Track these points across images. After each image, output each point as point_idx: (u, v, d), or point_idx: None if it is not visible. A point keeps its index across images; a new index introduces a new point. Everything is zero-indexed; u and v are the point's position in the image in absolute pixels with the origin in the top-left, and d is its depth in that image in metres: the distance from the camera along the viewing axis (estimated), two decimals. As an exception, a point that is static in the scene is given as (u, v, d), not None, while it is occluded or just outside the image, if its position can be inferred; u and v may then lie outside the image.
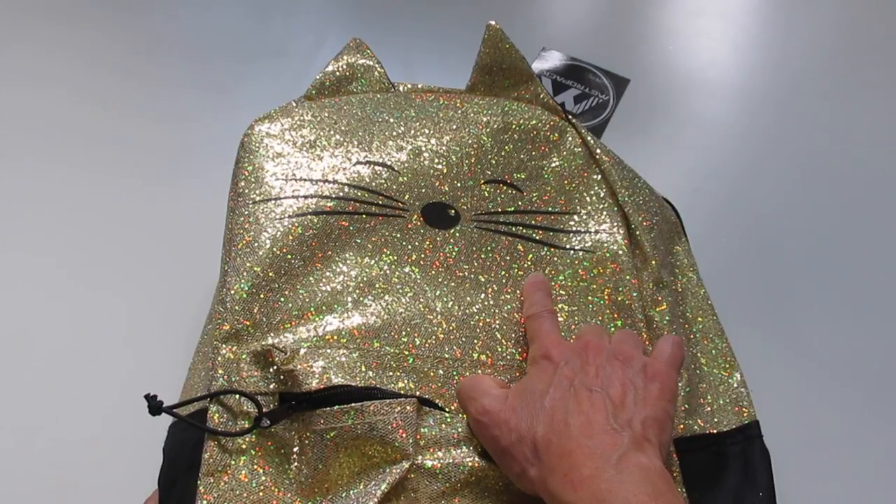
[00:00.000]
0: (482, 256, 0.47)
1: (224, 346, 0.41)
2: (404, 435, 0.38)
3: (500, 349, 0.44)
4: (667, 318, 0.47)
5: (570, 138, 0.52)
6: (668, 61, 0.82)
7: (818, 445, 0.55)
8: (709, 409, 0.46)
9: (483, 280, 0.46)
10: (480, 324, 0.44)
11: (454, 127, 0.51)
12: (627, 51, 0.82)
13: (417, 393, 0.40)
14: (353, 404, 0.38)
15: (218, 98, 0.77)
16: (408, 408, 0.38)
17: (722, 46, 0.84)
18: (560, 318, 0.45)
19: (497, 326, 0.44)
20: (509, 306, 0.46)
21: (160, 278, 0.62)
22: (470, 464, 0.38)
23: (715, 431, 0.45)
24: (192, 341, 0.50)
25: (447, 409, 0.40)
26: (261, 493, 0.38)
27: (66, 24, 0.83)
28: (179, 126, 0.74)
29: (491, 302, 0.46)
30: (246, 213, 0.46)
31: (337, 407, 0.38)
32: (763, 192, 0.70)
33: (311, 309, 0.43)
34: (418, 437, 0.39)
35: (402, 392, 0.40)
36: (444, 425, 0.40)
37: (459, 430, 0.40)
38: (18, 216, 0.66)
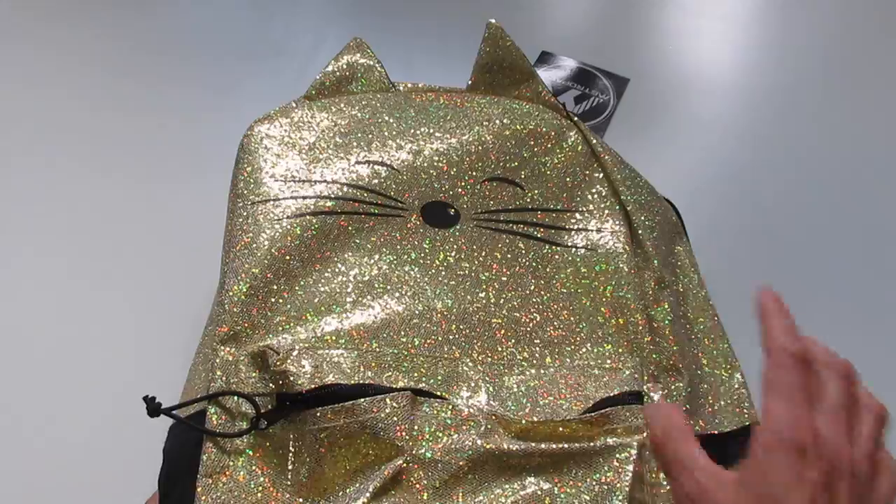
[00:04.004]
0: (483, 255, 0.47)
1: (223, 347, 0.41)
2: (397, 430, 0.38)
3: (500, 349, 0.43)
4: (668, 318, 0.47)
5: (571, 136, 0.52)
6: (668, 61, 0.82)
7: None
8: (710, 409, 0.46)
9: (484, 278, 0.46)
10: (481, 323, 0.44)
11: (455, 126, 0.51)
12: (627, 51, 0.82)
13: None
14: (343, 404, 0.38)
15: (218, 98, 0.77)
16: (400, 402, 0.38)
17: (722, 46, 0.84)
18: (561, 317, 0.45)
19: (497, 325, 0.44)
20: (510, 304, 0.45)
21: (160, 279, 0.62)
22: (469, 450, 0.38)
23: (716, 433, 0.45)
24: (194, 342, 0.50)
25: (442, 396, 0.40)
26: (259, 494, 0.38)
27: (66, 24, 0.83)
28: (179, 126, 0.74)
29: (492, 300, 0.45)
30: (245, 214, 0.46)
31: (328, 407, 0.38)
32: (763, 191, 0.70)
33: (310, 310, 0.43)
34: (414, 428, 0.39)
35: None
36: (440, 413, 0.39)
37: (455, 416, 0.39)
38: (17, 217, 0.66)
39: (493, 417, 0.39)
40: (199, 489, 0.38)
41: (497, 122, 0.52)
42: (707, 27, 0.85)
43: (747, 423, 0.46)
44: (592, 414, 0.40)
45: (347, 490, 0.38)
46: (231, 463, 0.39)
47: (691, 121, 0.76)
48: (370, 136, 0.50)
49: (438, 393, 0.40)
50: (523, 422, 0.39)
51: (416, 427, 0.39)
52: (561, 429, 0.39)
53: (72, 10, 0.85)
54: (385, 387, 0.39)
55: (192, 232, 0.63)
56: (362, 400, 0.38)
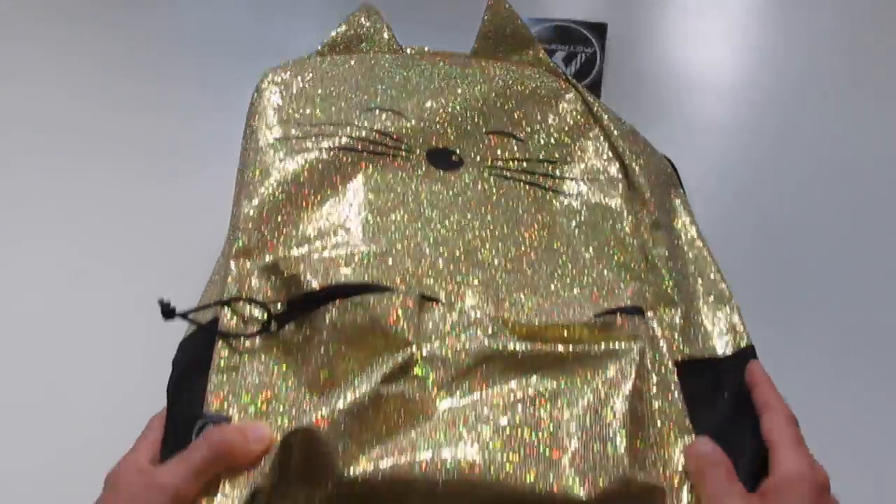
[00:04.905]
0: (485, 196, 0.49)
1: (235, 262, 0.42)
2: (407, 324, 0.38)
3: (501, 282, 0.44)
4: (664, 254, 0.48)
5: (569, 96, 0.56)
6: (667, 61, 0.82)
7: (822, 443, 0.54)
8: (703, 339, 0.47)
9: (489, 219, 0.48)
10: (486, 257, 0.46)
11: (459, 83, 0.54)
12: (628, 50, 0.82)
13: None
14: (353, 297, 0.38)
15: (218, 98, 0.77)
16: (409, 300, 0.39)
17: (722, 46, 0.84)
18: (563, 255, 0.47)
19: (500, 262, 0.46)
20: (513, 239, 0.47)
21: (161, 278, 0.62)
22: (476, 349, 0.39)
23: (709, 356, 0.46)
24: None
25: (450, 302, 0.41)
26: (270, 392, 0.38)
27: (66, 24, 0.83)
28: (179, 125, 0.74)
29: (496, 235, 0.47)
30: (257, 150, 0.47)
31: (338, 301, 0.38)
32: (763, 192, 0.70)
33: (319, 235, 0.44)
34: (421, 328, 0.39)
35: None
36: (448, 315, 0.40)
37: (462, 319, 0.40)
38: (18, 216, 0.66)
39: (500, 321, 0.40)
40: (209, 387, 0.38)
41: (500, 81, 0.55)
42: (707, 27, 0.85)
43: (741, 347, 0.46)
44: (597, 319, 0.41)
45: (355, 381, 0.38)
46: (242, 362, 0.39)
47: (691, 121, 0.76)
48: (378, 89, 0.53)
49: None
50: (534, 323, 0.41)
51: (423, 327, 0.39)
52: (566, 333, 0.40)
53: (72, 10, 0.85)
54: (392, 287, 0.40)
55: (193, 232, 0.63)
56: (371, 295, 0.38)
